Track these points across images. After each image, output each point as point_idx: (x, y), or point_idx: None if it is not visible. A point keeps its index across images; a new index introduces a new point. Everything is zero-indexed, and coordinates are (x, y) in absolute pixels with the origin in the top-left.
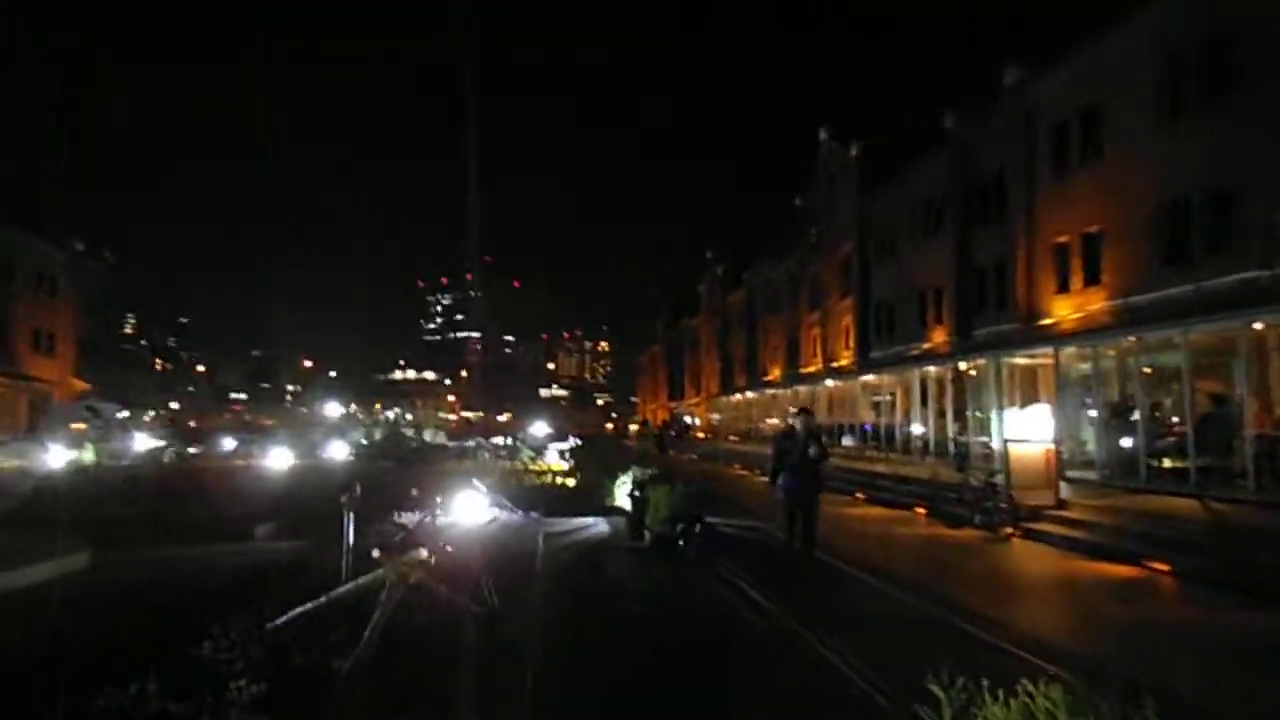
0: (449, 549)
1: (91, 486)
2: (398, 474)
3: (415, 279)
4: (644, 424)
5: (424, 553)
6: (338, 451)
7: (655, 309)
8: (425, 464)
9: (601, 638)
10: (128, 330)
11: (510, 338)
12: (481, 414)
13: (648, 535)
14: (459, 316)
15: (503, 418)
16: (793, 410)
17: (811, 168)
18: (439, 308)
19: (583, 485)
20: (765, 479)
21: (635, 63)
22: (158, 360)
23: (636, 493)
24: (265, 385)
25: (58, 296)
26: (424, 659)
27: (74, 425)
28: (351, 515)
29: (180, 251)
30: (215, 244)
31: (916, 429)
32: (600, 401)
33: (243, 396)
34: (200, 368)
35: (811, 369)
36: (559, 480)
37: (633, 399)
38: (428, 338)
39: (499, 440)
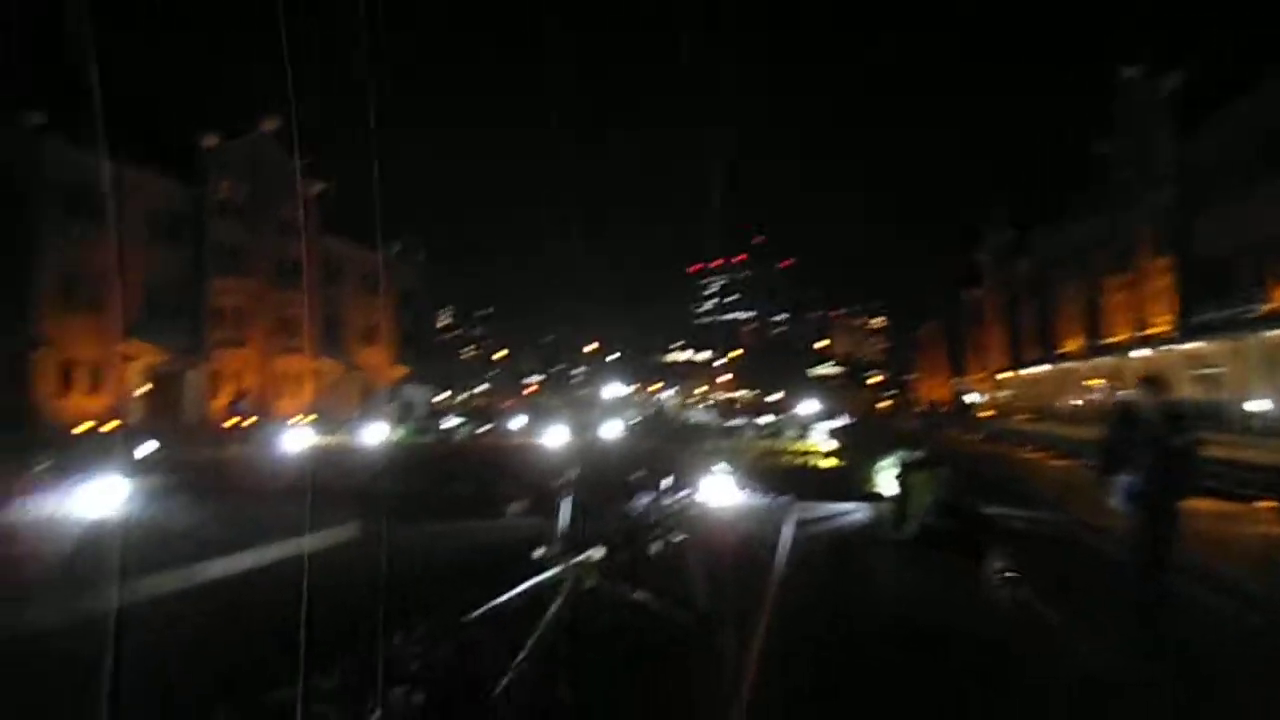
0: (676, 537)
1: (391, 462)
2: (658, 451)
3: (689, 262)
4: (922, 402)
5: (651, 540)
6: (611, 430)
7: (933, 283)
8: (688, 442)
9: (827, 663)
10: (444, 322)
11: (782, 316)
12: (752, 393)
13: (911, 526)
14: (731, 298)
15: (774, 397)
16: (1137, 385)
17: (1110, 111)
18: (711, 290)
19: (845, 468)
20: (1062, 463)
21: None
22: (468, 347)
23: (901, 478)
24: (556, 368)
25: (379, 294)
26: (587, 679)
27: (390, 408)
28: (569, 498)
29: (481, 244)
30: (512, 237)
31: (1257, 404)
32: (874, 380)
33: (537, 379)
34: (501, 353)
35: (1117, 338)
36: (820, 462)
37: (908, 376)
38: (700, 320)
39: (765, 419)
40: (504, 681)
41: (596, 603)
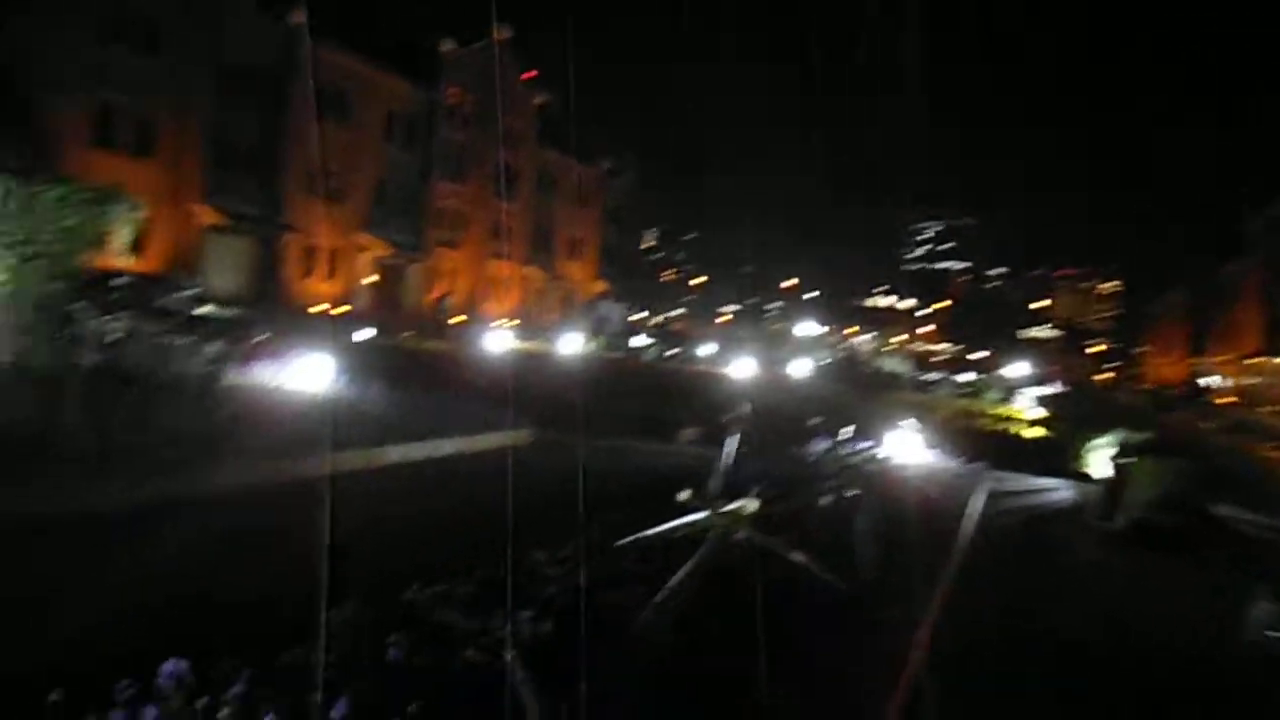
0: (849, 492)
1: (579, 373)
2: (844, 397)
3: (901, 205)
4: (1147, 380)
5: (821, 492)
6: (799, 369)
7: (1181, 250)
8: (878, 392)
9: (1002, 679)
10: (648, 244)
11: (999, 271)
12: (955, 348)
13: (1125, 518)
14: (946, 246)
15: (978, 355)
16: None
17: None
18: (925, 236)
19: (1052, 440)
20: None
21: None
22: (669, 270)
23: (1118, 461)
24: (751, 300)
25: (587, 208)
26: (714, 646)
27: (587, 321)
28: (737, 435)
29: (694, 169)
30: (726, 166)
31: None
32: (1095, 348)
33: (732, 309)
34: (700, 280)
35: None
36: (1023, 430)
37: (1137, 350)
38: (908, 266)
39: (966, 377)
40: (638, 620)
41: (746, 555)
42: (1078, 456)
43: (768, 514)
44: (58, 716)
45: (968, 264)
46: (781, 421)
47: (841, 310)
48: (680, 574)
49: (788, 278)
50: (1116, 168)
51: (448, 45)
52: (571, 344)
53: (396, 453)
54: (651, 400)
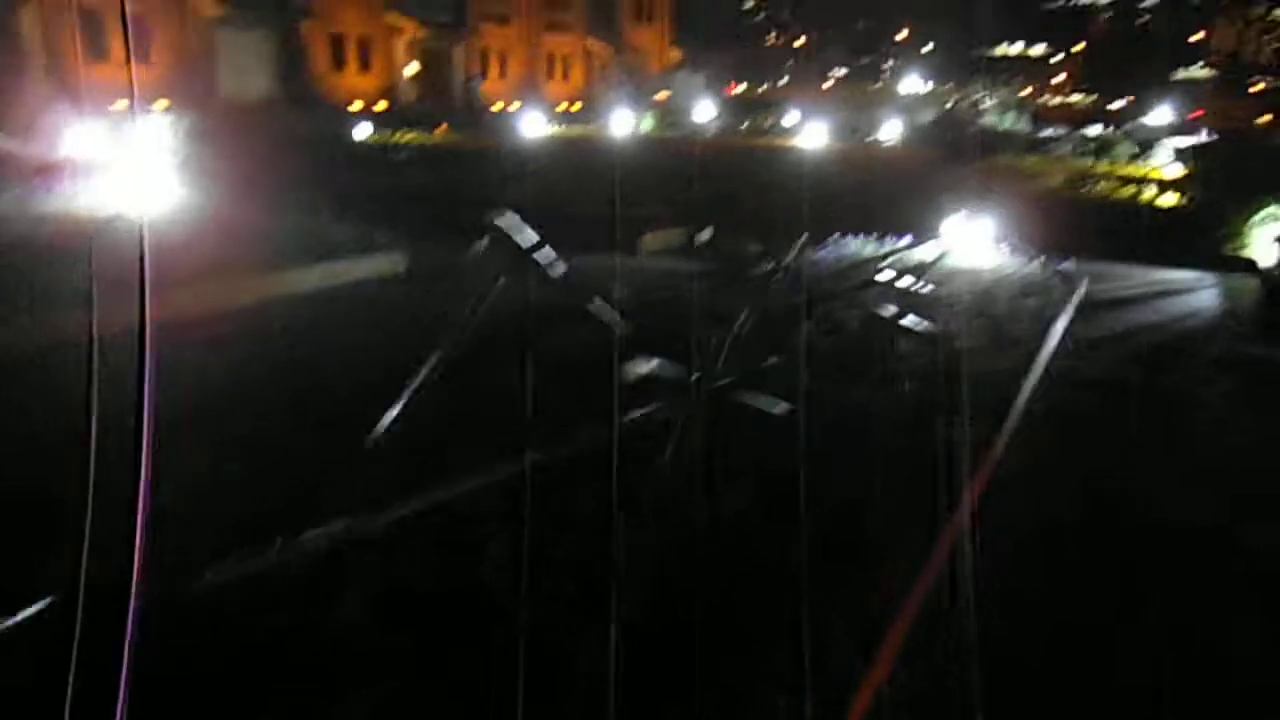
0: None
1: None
2: (928, 171)
3: None
4: None
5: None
6: (887, 133)
7: None
8: (975, 158)
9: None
10: (748, 5)
11: (1150, 2)
12: (1089, 99)
13: None
14: None
15: (1119, 103)
16: None
17: None
18: None
19: (1193, 211)
20: None
21: None
22: (771, 34)
23: None
24: (865, 60)
25: None
26: None
27: (658, 96)
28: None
29: None
30: None
31: None
32: (1261, 87)
33: (843, 71)
34: (800, 41)
35: None
36: (1155, 198)
37: None
38: (1046, 4)
39: (1094, 129)
40: None
41: None
42: (1233, 235)
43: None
44: None
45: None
46: (817, 208)
47: (966, 62)
48: None
49: (903, 30)
50: None
51: None
52: (622, 124)
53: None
54: (652, 190)
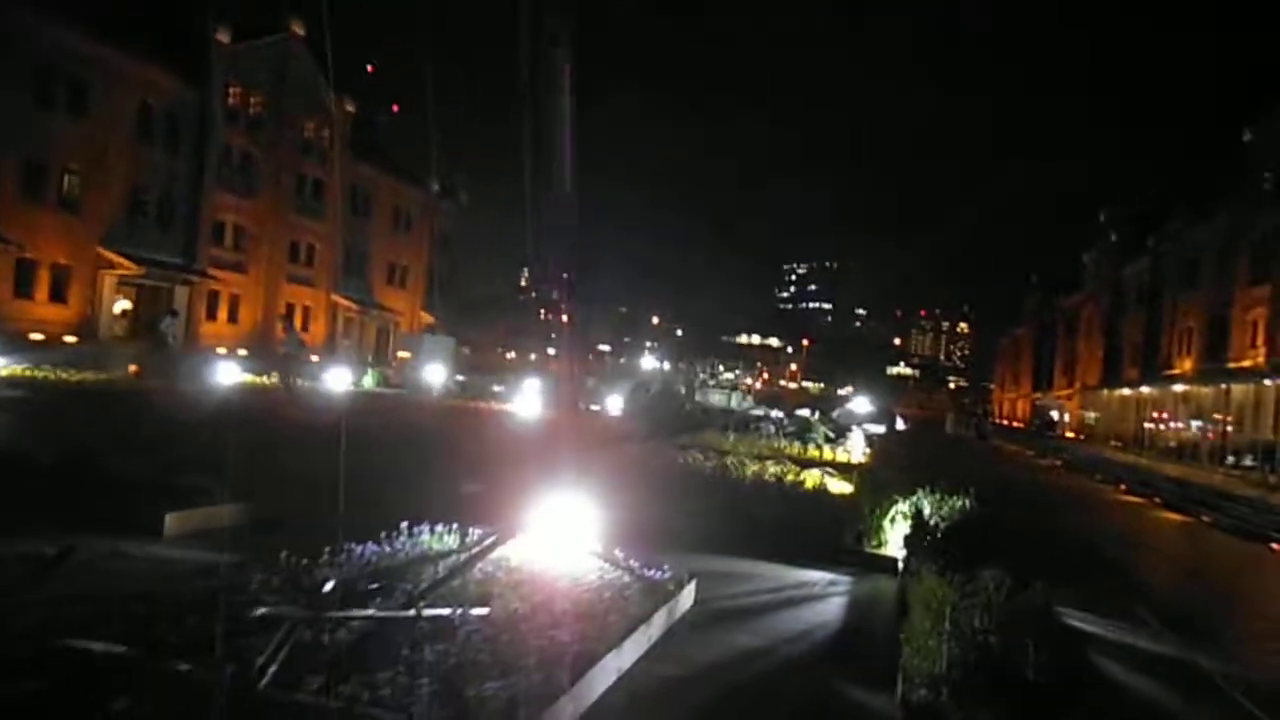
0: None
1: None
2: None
3: (776, 248)
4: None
5: None
6: (610, 406)
7: (1026, 286)
8: (671, 433)
9: None
10: (525, 281)
11: (862, 311)
12: (818, 386)
13: (904, 689)
14: (812, 286)
15: (843, 390)
16: None
17: (1259, 96)
18: (794, 276)
19: (851, 501)
20: (1176, 518)
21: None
22: (543, 311)
23: (912, 550)
24: (626, 340)
25: (412, 232)
26: None
27: (400, 354)
28: None
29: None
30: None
31: None
32: (952, 385)
33: (607, 348)
34: (565, 318)
35: (1246, 362)
36: (819, 484)
37: (989, 385)
38: (779, 305)
39: (803, 413)
40: None
41: None
42: (874, 527)
43: None
44: None
45: (831, 305)
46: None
47: (712, 346)
48: None
49: (658, 316)
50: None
51: (225, 35)
52: (339, 380)
53: None
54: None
